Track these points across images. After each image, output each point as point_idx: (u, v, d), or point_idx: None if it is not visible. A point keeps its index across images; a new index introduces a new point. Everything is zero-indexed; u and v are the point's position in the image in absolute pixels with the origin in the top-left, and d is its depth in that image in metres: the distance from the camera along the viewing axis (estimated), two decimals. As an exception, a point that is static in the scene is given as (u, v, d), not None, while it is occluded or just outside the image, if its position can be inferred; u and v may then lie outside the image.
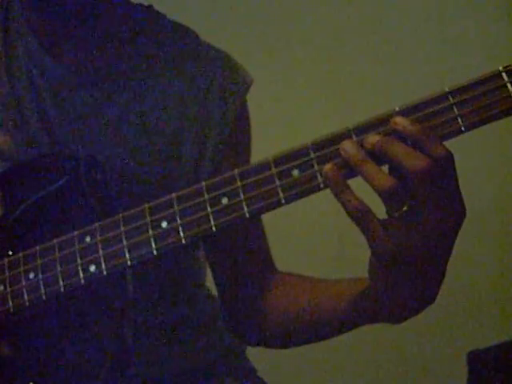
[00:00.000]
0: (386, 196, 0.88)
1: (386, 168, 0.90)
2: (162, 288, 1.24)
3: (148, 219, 0.97)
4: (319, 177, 0.90)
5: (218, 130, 1.22)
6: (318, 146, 0.91)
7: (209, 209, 0.94)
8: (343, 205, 0.90)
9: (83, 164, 1.09)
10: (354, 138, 0.90)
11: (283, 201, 0.91)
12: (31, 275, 1.03)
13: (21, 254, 1.05)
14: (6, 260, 1.06)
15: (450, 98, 0.88)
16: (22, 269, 1.04)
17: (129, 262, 0.98)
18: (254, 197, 0.92)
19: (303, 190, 0.91)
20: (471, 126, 0.88)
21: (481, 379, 2.05)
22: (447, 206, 0.88)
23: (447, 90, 0.89)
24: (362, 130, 0.90)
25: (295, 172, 0.91)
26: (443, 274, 0.95)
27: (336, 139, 0.90)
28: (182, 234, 0.95)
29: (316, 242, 2.26)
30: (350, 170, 0.90)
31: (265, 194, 0.92)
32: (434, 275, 0.95)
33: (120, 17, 1.21)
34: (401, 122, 0.89)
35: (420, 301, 0.98)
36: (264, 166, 0.92)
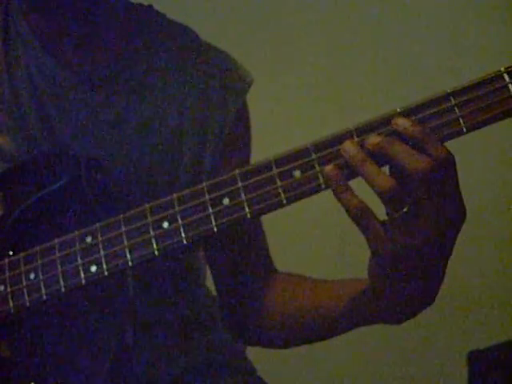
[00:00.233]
0: (386, 197, 0.88)
1: (386, 169, 0.90)
2: (162, 288, 1.24)
3: (149, 220, 0.97)
4: (320, 177, 0.91)
5: (218, 130, 1.22)
6: (320, 146, 0.91)
7: (210, 209, 0.94)
8: (344, 205, 0.90)
9: (83, 164, 1.09)
10: (356, 138, 0.90)
11: (284, 201, 0.92)
12: (32, 275, 1.03)
13: (21, 255, 1.05)
14: (6, 260, 1.06)
15: (452, 99, 0.88)
16: (22, 269, 1.04)
17: (130, 263, 0.98)
18: (256, 197, 0.93)
19: (304, 190, 0.91)
20: (472, 127, 0.88)
21: (481, 379, 2.05)
22: (447, 208, 0.89)
23: (448, 91, 0.89)
24: (363, 130, 0.90)
25: (296, 173, 0.91)
26: (443, 275, 0.95)
27: (337, 140, 0.91)
28: (183, 234, 0.95)
29: (316, 242, 2.26)
30: (350, 170, 0.90)
31: (266, 194, 0.92)
32: (433, 276, 0.95)
33: (120, 17, 1.21)
34: (402, 122, 0.89)
35: (419, 301, 0.98)
36: (265, 167, 0.92)
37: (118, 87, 1.19)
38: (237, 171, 0.94)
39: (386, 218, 0.90)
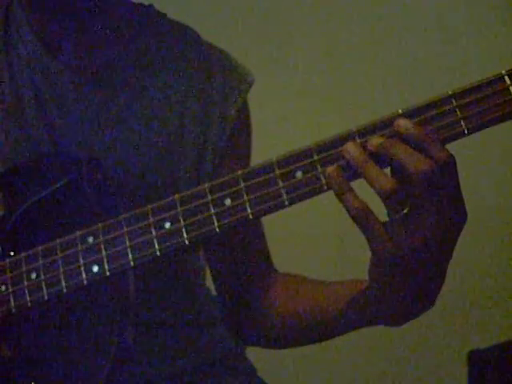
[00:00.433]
0: (387, 198, 0.88)
1: (388, 171, 0.90)
2: (162, 288, 1.24)
3: (151, 220, 0.97)
4: (322, 178, 0.91)
5: (219, 129, 1.22)
6: (322, 148, 0.91)
7: (212, 210, 0.94)
8: (345, 206, 0.90)
9: (84, 164, 1.09)
10: (358, 140, 0.90)
11: (287, 202, 0.92)
12: (33, 275, 1.03)
13: (22, 255, 1.05)
14: (7, 260, 1.06)
15: (453, 101, 0.89)
16: (23, 269, 1.04)
17: (132, 263, 0.98)
18: (258, 198, 0.93)
19: (306, 191, 0.91)
20: (474, 129, 0.88)
21: (481, 379, 2.05)
22: (448, 209, 0.89)
23: (450, 92, 0.89)
24: (365, 132, 0.91)
25: (299, 174, 0.91)
26: (443, 278, 0.96)
27: (339, 141, 0.91)
28: (185, 235, 0.95)
29: (316, 243, 2.26)
30: (352, 171, 0.90)
31: (268, 195, 0.92)
32: (434, 278, 0.95)
33: (120, 16, 1.21)
34: (404, 124, 0.89)
35: (419, 304, 0.98)
36: (267, 168, 0.93)
37: (119, 87, 1.19)
38: (239, 172, 0.94)
39: (386, 219, 0.91)
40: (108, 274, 0.99)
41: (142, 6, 1.26)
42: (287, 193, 0.92)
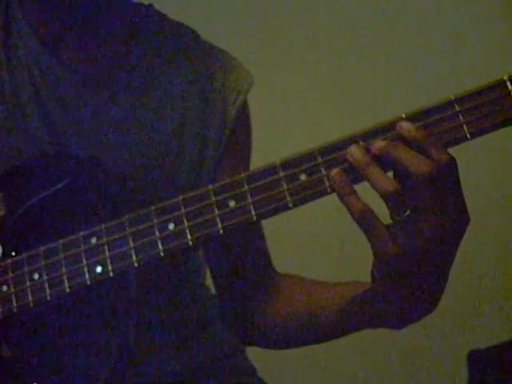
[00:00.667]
0: (390, 200, 0.89)
1: (391, 174, 0.91)
2: (163, 288, 1.24)
3: (155, 221, 0.97)
4: (326, 181, 0.91)
5: (219, 129, 1.22)
6: (326, 150, 0.92)
7: (216, 211, 0.95)
8: (349, 209, 0.91)
9: (85, 165, 1.10)
10: (361, 143, 0.91)
11: (290, 204, 0.92)
12: (36, 276, 1.03)
13: (24, 255, 1.05)
14: (9, 260, 1.06)
15: (456, 106, 0.89)
16: (26, 269, 1.04)
17: (136, 264, 0.98)
18: (262, 200, 0.93)
19: (310, 193, 0.92)
20: (476, 134, 0.89)
21: (481, 379, 2.06)
22: (450, 212, 0.89)
23: (453, 97, 0.90)
24: (368, 135, 0.91)
25: (302, 176, 0.92)
26: (445, 280, 0.96)
27: (343, 144, 0.91)
28: (188, 236, 0.95)
29: (317, 244, 2.26)
30: (356, 174, 0.91)
31: (272, 197, 0.93)
32: (436, 281, 0.95)
33: (120, 16, 1.21)
34: (406, 127, 0.90)
35: (421, 307, 0.98)
36: (271, 170, 0.93)
37: (119, 87, 1.19)
38: (243, 174, 0.94)
39: (389, 221, 0.91)
40: (112, 274, 0.99)
41: (142, 6, 1.26)
42: (291, 195, 0.92)
